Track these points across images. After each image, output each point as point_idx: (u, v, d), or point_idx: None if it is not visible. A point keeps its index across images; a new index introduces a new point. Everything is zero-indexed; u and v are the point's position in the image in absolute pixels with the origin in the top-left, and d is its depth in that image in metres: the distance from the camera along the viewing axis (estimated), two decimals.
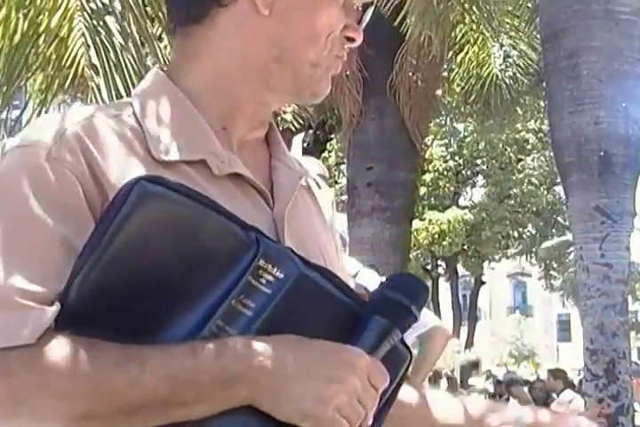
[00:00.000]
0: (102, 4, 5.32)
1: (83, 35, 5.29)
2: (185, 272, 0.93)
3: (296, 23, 1.09)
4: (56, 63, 5.39)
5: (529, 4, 8.67)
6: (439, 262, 26.73)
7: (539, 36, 6.82)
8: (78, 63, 5.23)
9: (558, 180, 8.06)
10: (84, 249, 0.92)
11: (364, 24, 1.15)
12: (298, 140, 13.35)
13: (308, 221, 1.17)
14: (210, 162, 1.06)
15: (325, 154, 17.16)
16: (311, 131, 13.79)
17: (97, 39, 5.27)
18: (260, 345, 0.93)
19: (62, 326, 0.91)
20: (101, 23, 5.34)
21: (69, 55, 5.28)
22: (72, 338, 0.90)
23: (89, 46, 5.23)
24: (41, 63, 5.47)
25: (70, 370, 0.89)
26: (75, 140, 1.01)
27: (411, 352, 1.09)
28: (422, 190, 21.39)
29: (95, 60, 5.18)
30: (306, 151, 13.28)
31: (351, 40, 1.14)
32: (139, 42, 5.37)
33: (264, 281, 0.95)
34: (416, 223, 17.98)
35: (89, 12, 5.33)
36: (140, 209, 0.91)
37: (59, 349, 0.90)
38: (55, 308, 0.91)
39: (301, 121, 11.24)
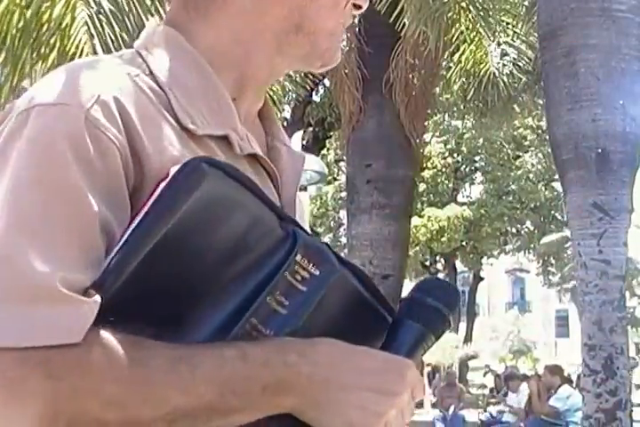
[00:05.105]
0: None
1: (85, 23, 5.35)
2: (223, 262, 0.86)
3: None
4: (60, 50, 5.44)
5: (525, 3, 8.70)
6: (438, 258, 26.71)
7: (536, 34, 6.84)
8: (82, 51, 5.29)
9: (556, 176, 8.08)
10: (133, 232, 0.83)
11: None
12: (297, 138, 13.37)
13: (301, 210, 1.13)
14: (232, 139, 0.98)
15: (324, 151, 17.16)
16: (310, 128, 13.80)
17: (99, 28, 5.34)
18: (308, 351, 0.87)
19: (99, 318, 0.81)
20: (103, 11, 5.41)
21: (73, 43, 5.34)
22: (116, 334, 0.81)
23: (92, 35, 5.29)
24: (44, 51, 5.51)
25: (120, 373, 0.80)
26: (113, 102, 0.89)
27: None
28: (421, 187, 21.39)
29: (99, 49, 5.26)
30: (305, 149, 13.30)
31: (358, 7, 1.08)
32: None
33: (299, 278, 0.88)
34: (415, 220, 17.98)
35: (90, 1, 5.40)
36: (196, 193, 0.83)
37: (105, 347, 0.80)
38: (98, 300, 0.80)
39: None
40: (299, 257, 0.88)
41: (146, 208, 0.83)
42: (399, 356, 0.92)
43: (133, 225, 0.83)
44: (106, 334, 0.80)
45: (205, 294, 0.85)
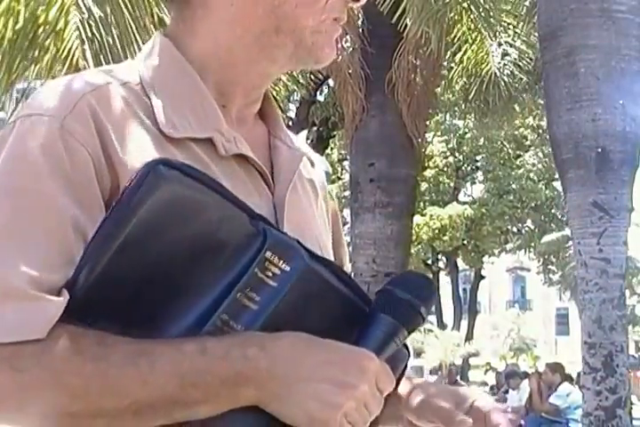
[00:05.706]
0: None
1: (77, 28, 5.43)
2: (192, 261, 0.89)
3: None
4: (53, 53, 5.52)
5: (526, 3, 8.75)
6: (440, 257, 26.83)
7: (536, 34, 6.89)
8: (73, 55, 5.37)
9: (557, 175, 8.12)
10: (97, 234, 0.87)
11: None
12: (302, 137, 13.44)
13: (306, 205, 1.14)
14: (216, 141, 1.01)
15: (328, 150, 17.24)
16: (314, 128, 13.86)
17: (90, 33, 5.43)
18: (269, 344, 0.89)
19: (68, 316, 0.86)
20: (93, 18, 5.49)
21: (65, 47, 5.42)
22: (81, 331, 0.86)
23: (83, 40, 5.37)
24: (39, 53, 5.60)
25: (81, 366, 0.85)
26: (88, 111, 0.94)
27: (409, 352, 1.06)
28: (423, 186, 21.49)
29: (88, 54, 5.32)
30: (309, 148, 13.34)
31: (355, 0, 1.08)
32: (131, 34, 5.53)
33: (270, 274, 0.91)
34: (417, 219, 18.07)
35: (82, 7, 5.48)
36: (155, 194, 0.86)
37: (68, 343, 0.85)
38: (65, 298, 0.86)
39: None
40: (268, 254, 0.91)
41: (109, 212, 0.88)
42: (368, 349, 0.93)
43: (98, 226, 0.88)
44: (72, 331, 0.85)
45: (177, 292, 0.88)
